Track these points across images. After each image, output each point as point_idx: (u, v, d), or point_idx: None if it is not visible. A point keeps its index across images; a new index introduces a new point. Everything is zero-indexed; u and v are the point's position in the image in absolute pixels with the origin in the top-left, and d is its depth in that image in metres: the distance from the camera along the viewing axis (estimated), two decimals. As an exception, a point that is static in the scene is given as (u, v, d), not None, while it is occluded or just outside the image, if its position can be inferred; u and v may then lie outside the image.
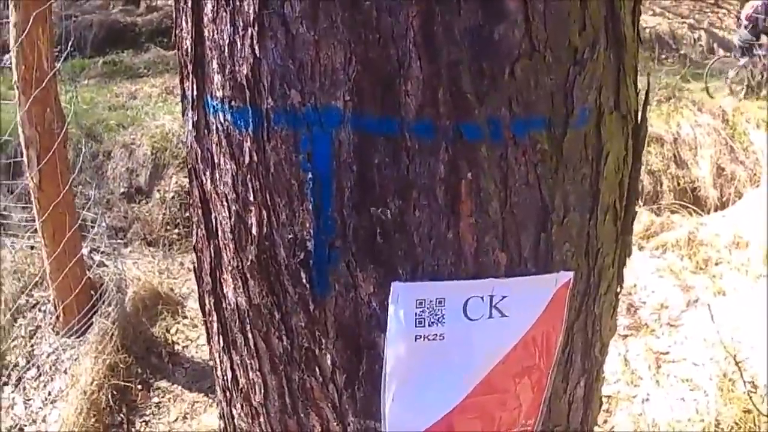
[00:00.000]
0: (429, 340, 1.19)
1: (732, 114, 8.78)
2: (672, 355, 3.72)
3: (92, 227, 4.80)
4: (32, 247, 4.88)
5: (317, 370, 1.31)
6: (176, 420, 4.04)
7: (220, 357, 1.53)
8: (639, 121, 1.32)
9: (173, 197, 6.09)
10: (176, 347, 4.42)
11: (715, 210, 6.45)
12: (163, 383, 4.20)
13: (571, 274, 1.25)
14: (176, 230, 5.86)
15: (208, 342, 1.60)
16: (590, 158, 1.21)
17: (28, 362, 4.33)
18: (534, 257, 1.21)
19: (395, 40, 1.05)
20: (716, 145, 8.06)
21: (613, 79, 1.21)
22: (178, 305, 4.70)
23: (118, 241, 5.37)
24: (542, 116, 1.12)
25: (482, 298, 1.18)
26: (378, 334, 1.22)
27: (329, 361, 1.28)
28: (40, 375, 4.27)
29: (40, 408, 4.12)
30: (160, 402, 4.11)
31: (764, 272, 4.35)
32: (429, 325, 1.18)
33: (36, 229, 4.34)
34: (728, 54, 14.66)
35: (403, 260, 1.16)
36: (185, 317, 4.64)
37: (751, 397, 3.27)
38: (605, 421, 2.75)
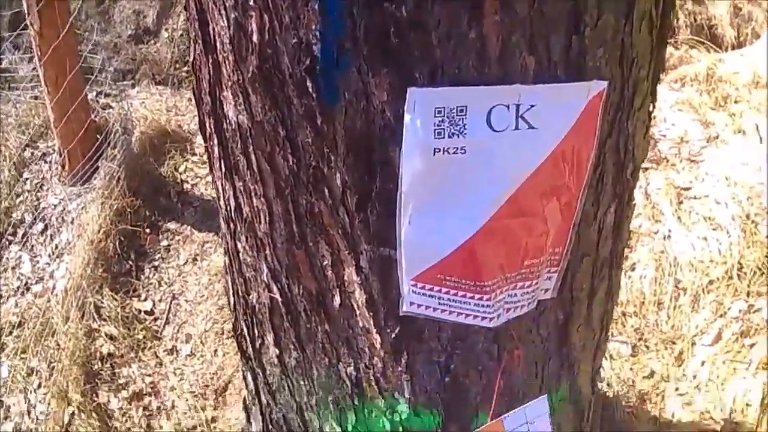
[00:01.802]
0: (449, 153, 1.08)
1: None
2: (693, 192, 3.61)
3: (99, 75, 4.65)
4: (36, 98, 4.74)
5: (326, 191, 1.21)
6: (186, 263, 4.00)
7: (222, 184, 1.43)
8: None
9: (182, 35, 5.88)
10: (185, 186, 4.30)
11: (732, 49, 6.23)
12: (173, 224, 4.13)
13: (605, 83, 1.13)
14: (185, 68, 5.65)
15: (211, 170, 1.51)
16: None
17: (35, 217, 4.25)
18: (565, 62, 1.09)
19: None
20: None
21: None
22: (187, 142, 4.54)
23: (125, 82, 5.22)
24: None
25: (508, 106, 1.07)
26: (393, 149, 1.12)
27: (339, 181, 1.18)
28: (46, 229, 4.20)
29: (47, 264, 4.07)
30: (169, 245, 4.05)
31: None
32: (449, 137, 1.07)
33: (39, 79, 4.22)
34: None
35: (420, 62, 1.04)
36: (194, 154, 4.50)
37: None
38: (626, 257, 2.64)
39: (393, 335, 1.37)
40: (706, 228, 3.35)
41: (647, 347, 3.07)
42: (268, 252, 1.40)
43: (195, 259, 3.98)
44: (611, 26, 1.10)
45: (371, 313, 1.35)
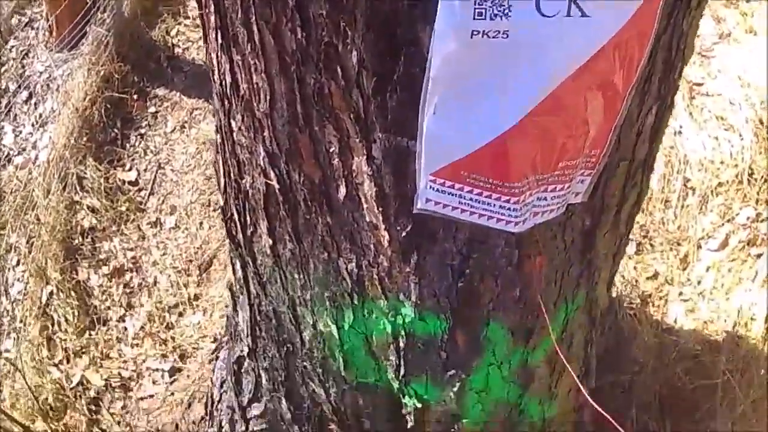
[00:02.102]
0: (489, 37, 0.92)
1: None
2: (706, 88, 3.45)
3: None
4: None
5: (339, 71, 1.06)
6: (173, 130, 3.83)
7: (218, 57, 1.27)
8: None
9: None
10: (176, 50, 4.09)
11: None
12: (161, 91, 3.94)
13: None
14: None
15: (205, 40, 1.35)
16: None
17: (19, 86, 4.08)
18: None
19: None
20: None
21: None
22: (180, 5, 4.30)
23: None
24: None
25: (561, -12, 0.91)
26: (422, 27, 0.96)
27: (355, 60, 1.03)
28: (31, 97, 4.04)
29: (30, 134, 3.93)
30: (156, 111, 3.88)
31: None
32: (491, 18, 0.91)
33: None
34: None
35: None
36: (187, 17, 4.25)
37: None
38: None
39: (403, 233, 1.26)
40: (717, 127, 3.21)
41: (652, 246, 2.97)
42: (266, 134, 1.25)
43: (183, 127, 3.83)
44: None
45: (380, 208, 1.23)
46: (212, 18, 1.21)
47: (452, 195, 1.12)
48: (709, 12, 3.91)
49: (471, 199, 1.12)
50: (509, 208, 1.13)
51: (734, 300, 2.71)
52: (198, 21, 4.07)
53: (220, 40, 1.22)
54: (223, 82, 1.29)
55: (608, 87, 1.06)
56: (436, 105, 1.00)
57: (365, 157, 1.15)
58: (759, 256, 2.80)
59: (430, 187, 1.12)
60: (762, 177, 3.01)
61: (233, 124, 1.34)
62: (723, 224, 2.95)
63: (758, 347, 2.53)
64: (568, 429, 1.98)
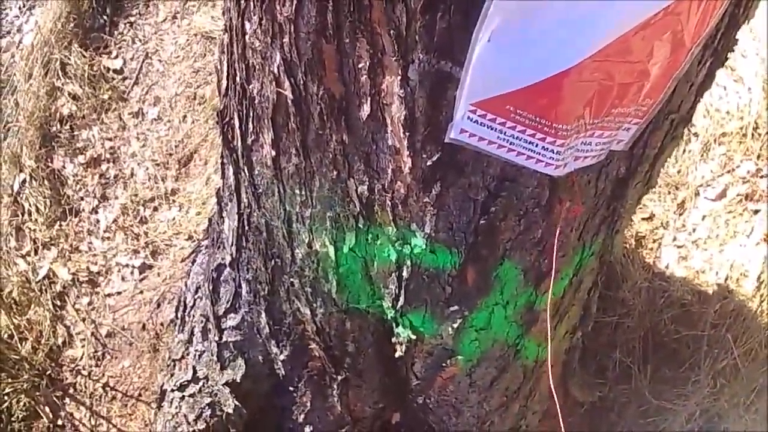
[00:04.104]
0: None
1: None
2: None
3: None
4: None
5: (385, -22, 0.94)
6: (164, 20, 3.68)
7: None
8: None
9: None
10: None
11: None
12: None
13: None
14: None
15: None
16: None
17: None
18: None
19: None
20: None
21: None
22: None
23: None
24: None
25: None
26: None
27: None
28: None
29: (17, 17, 3.77)
30: (148, 2, 3.75)
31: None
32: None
33: None
34: None
35: None
36: None
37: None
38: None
39: (429, 162, 1.17)
40: (726, 77, 3.12)
41: (650, 186, 2.93)
42: (286, 40, 1.13)
43: (174, 17, 3.70)
44: None
45: (407, 133, 1.14)
46: None
47: (492, 129, 1.03)
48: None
49: (512, 136, 1.03)
50: (553, 150, 1.04)
51: (728, 253, 2.68)
52: None
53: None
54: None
55: (677, 39, 0.97)
56: (493, 32, 0.90)
57: (399, 77, 1.05)
58: (756, 212, 2.77)
59: (469, 117, 1.03)
60: (766, 132, 2.95)
61: (247, 25, 1.22)
62: (723, 174, 2.91)
63: (747, 304, 2.51)
64: (557, 371, 1.95)
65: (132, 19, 3.71)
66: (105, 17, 3.70)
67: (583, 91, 0.98)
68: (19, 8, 3.80)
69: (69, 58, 3.50)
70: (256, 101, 1.33)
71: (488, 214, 1.26)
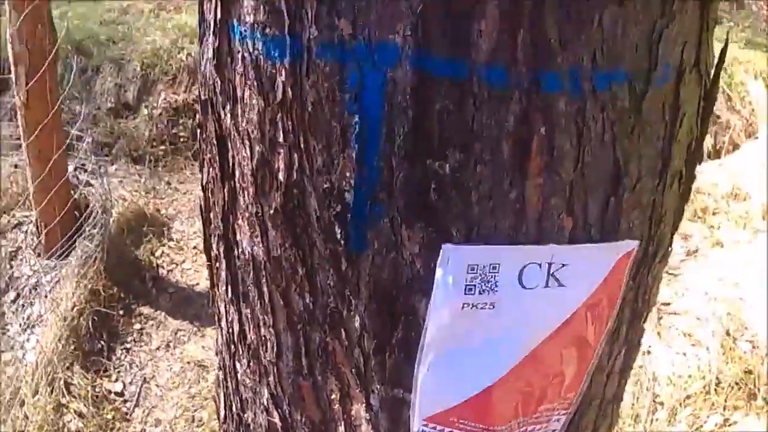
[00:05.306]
0: (478, 308, 1.07)
1: (730, 63, 8.62)
2: (673, 307, 3.62)
3: (77, 143, 4.65)
4: (15, 166, 4.74)
5: (343, 333, 1.18)
6: (158, 348, 3.94)
7: (226, 308, 1.40)
8: (713, 82, 1.17)
9: (161, 113, 5.93)
10: (161, 271, 4.30)
11: (709, 156, 6.35)
12: (146, 309, 4.10)
13: (636, 243, 1.13)
14: (162, 146, 5.71)
15: (212, 288, 1.48)
16: (666, 120, 1.07)
17: (7, 285, 4.21)
18: (600, 224, 1.08)
19: (472, -32, 0.90)
20: (712, 93, 7.91)
21: (696, 35, 1.06)
22: (164, 227, 4.56)
23: (104, 158, 5.22)
24: (625, 70, 0.98)
25: (540, 265, 1.06)
26: (419, 299, 1.09)
27: (357, 324, 1.16)
28: (18, 298, 4.16)
29: (18, 333, 4.01)
30: (142, 329, 4.00)
31: (763, 227, 4.26)
32: (480, 293, 1.05)
33: (20, 146, 4.20)
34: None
35: (458, 220, 1.02)
36: (171, 239, 4.51)
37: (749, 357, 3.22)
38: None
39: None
40: (685, 343, 3.36)
41: (620, 464, 3.06)
42: (271, 379, 1.36)
43: (168, 346, 3.96)
44: (647, 189, 1.10)
45: (377, 433, 1.32)
46: (223, 273, 1.34)
47: (443, 437, 1.23)
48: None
49: (461, 440, 1.24)
50: (495, 448, 1.24)
51: None
52: (181, 244, 4.27)
53: (229, 294, 1.35)
54: (231, 330, 1.40)
55: (582, 341, 1.19)
56: (430, 364, 1.13)
57: (364, 404, 1.26)
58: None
59: (423, 429, 1.22)
60: (729, 384, 3.14)
61: (238, 366, 1.45)
62: (691, 434, 3.05)
63: None
64: None
65: (128, 345, 3.95)
66: (102, 342, 3.94)
67: (510, 398, 1.17)
68: (20, 325, 4.03)
69: (72, 378, 3.70)
70: (251, 427, 1.53)
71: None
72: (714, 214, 4.51)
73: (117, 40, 6.74)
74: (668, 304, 3.63)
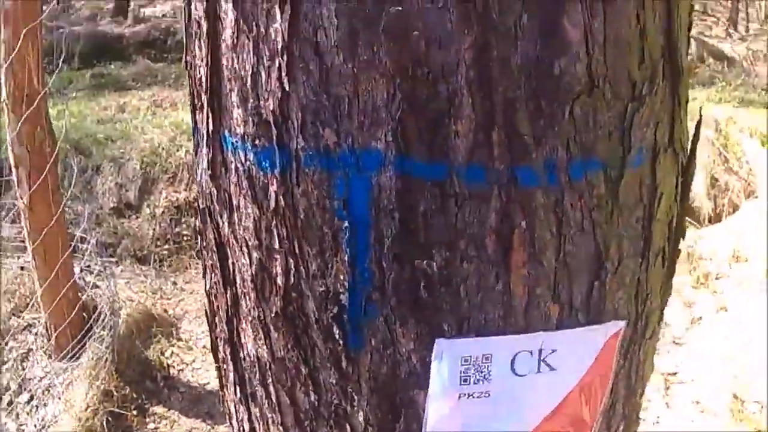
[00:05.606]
0: (474, 398, 1.11)
1: (725, 123, 8.70)
2: (680, 376, 3.63)
3: (81, 245, 4.71)
4: (22, 268, 4.79)
5: (348, 427, 1.21)
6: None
7: (236, 407, 1.43)
8: (689, 157, 1.22)
9: (163, 212, 6.00)
10: (171, 371, 4.32)
11: (710, 221, 6.38)
12: (159, 408, 4.11)
13: (623, 323, 1.17)
14: (167, 246, 5.77)
15: (222, 389, 1.51)
16: (644, 200, 1.12)
17: (20, 386, 4.23)
18: (586, 308, 1.12)
19: (445, 74, 0.95)
20: (710, 155, 7.98)
21: (669, 114, 1.11)
22: (172, 327, 4.60)
23: (109, 259, 5.27)
24: (599, 158, 1.03)
25: (531, 352, 1.10)
26: (417, 392, 1.13)
27: (361, 419, 1.19)
28: (32, 399, 4.18)
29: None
30: (156, 428, 4.01)
31: (766, 288, 4.28)
32: (474, 383, 1.09)
33: (26, 248, 4.26)
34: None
35: (448, 315, 1.06)
36: (179, 339, 4.55)
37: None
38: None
39: None
40: (694, 411, 3.36)
41: None
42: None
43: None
44: (630, 270, 1.14)
45: None
46: (231, 375, 1.38)
47: None
48: (680, 298, 4.15)
49: None
50: None
51: None
52: (190, 344, 4.31)
53: (238, 394, 1.38)
54: (242, 428, 1.43)
55: (578, 421, 1.21)
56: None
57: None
58: None
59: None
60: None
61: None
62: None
63: None
64: None
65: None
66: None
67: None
68: (35, 426, 4.06)
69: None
70: None
71: None
72: (717, 278, 4.53)
73: (115, 138, 6.86)
74: (675, 373, 3.64)
